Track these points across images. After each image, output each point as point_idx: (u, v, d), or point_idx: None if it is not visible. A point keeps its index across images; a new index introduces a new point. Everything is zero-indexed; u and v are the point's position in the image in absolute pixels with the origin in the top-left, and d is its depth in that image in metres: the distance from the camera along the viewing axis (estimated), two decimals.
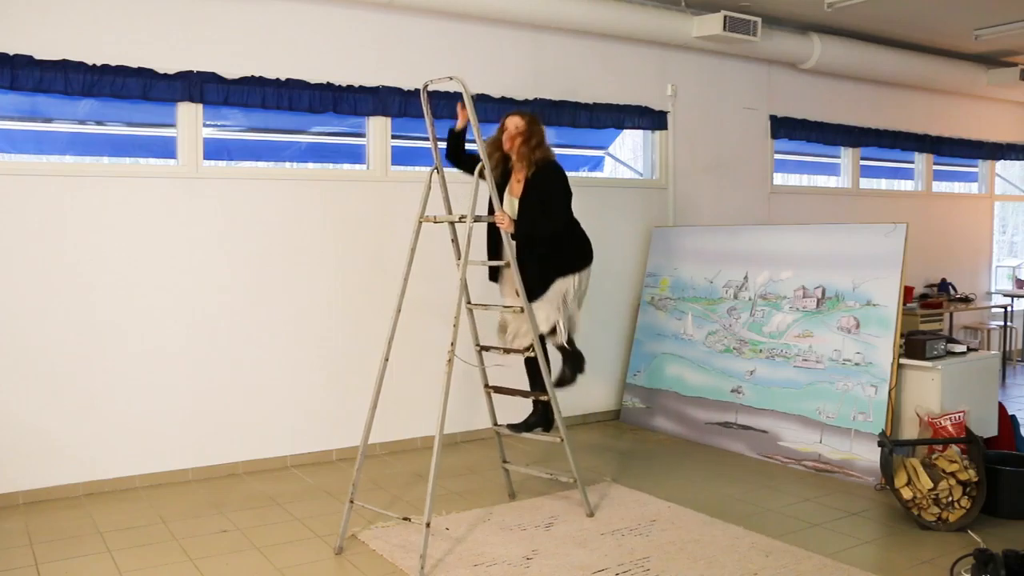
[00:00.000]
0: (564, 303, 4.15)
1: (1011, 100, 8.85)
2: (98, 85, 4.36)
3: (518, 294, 3.94)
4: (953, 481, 3.90)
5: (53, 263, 4.35)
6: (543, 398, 4.01)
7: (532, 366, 4.23)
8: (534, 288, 4.06)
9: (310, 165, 5.25)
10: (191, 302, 4.69)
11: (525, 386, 4.31)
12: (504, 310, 4.12)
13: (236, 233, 4.81)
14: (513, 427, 4.23)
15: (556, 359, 4.29)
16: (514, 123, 4.09)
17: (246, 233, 4.84)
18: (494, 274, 4.32)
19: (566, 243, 4.17)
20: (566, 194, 4.14)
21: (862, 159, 7.80)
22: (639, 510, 4.15)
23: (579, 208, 4.29)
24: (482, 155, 3.78)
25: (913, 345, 4.67)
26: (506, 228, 3.90)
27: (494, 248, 4.21)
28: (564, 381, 4.30)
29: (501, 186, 4.14)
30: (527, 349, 4.09)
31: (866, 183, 7.92)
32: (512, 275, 3.93)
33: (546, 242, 4.07)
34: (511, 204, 4.14)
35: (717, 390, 5.45)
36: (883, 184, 8.20)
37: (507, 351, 4.18)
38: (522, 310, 3.91)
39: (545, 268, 4.10)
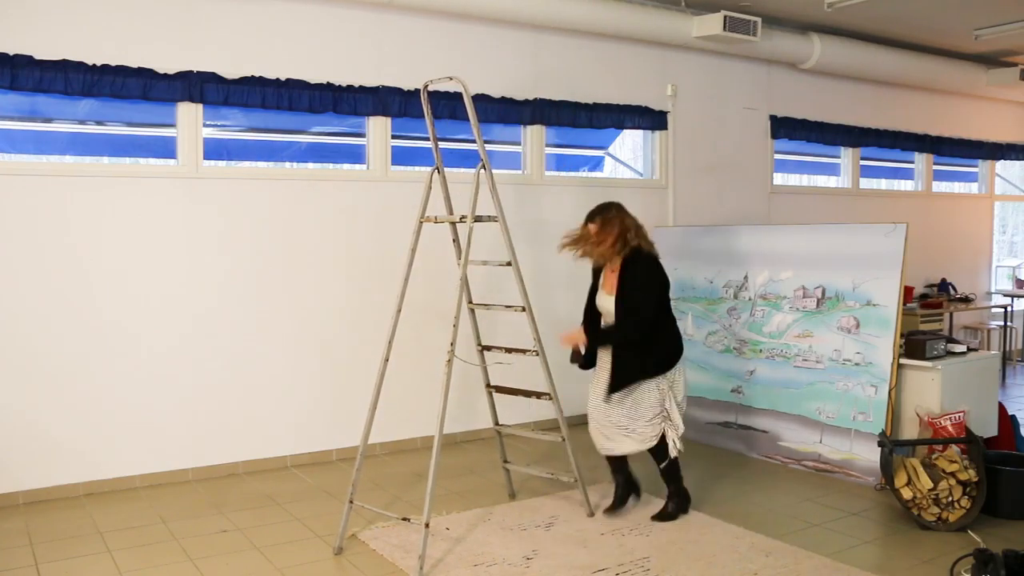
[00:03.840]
0: (660, 409, 3.91)
1: (1011, 100, 8.86)
2: (98, 85, 4.36)
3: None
4: (953, 481, 3.90)
5: (53, 263, 4.35)
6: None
7: (659, 458, 4.02)
8: (622, 383, 3.88)
9: (310, 165, 5.25)
10: (191, 302, 4.69)
11: (526, 386, 4.27)
12: (509, 308, 4.10)
13: (236, 233, 4.81)
14: (654, 516, 4.05)
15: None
16: (587, 232, 3.90)
17: (246, 233, 4.84)
18: (586, 360, 4.06)
19: (653, 343, 3.89)
20: (657, 287, 3.88)
21: (862, 159, 7.80)
22: (639, 510, 4.15)
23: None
24: (482, 152, 3.77)
25: (913, 345, 4.67)
26: (575, 343, 3.90)
27: (592, 328, 4.03)
28: (666, 516, 4.03)
29: (598, 273, 4.05)
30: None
31: (866, 183, 7.93)
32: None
33: (636, 343, 3.87)
34: (606, 302, 3.94)
35: (717, 390, 5.45)
36: (883, 184, 8.20)
37: (510, 351, 4.18)
38: (523, 309, 3.91)
39: (634, 368, 3.87)
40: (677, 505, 4.06)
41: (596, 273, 4.09)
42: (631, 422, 3.92)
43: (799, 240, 5.27)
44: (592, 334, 3.97)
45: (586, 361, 4.04)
